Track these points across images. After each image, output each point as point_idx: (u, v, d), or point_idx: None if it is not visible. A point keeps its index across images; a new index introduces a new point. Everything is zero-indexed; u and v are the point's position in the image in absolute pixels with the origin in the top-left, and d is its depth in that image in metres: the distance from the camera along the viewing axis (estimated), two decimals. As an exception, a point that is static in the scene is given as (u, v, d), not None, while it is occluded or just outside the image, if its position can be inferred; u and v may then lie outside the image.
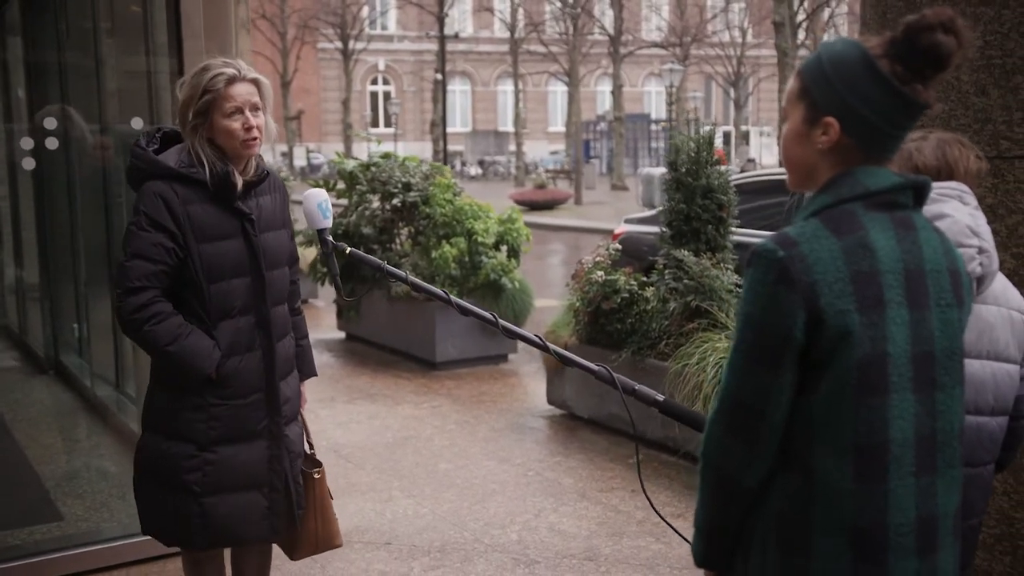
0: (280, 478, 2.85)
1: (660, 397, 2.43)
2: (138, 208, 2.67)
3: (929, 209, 2.13)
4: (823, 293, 1.54)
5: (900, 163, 2.19)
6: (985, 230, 2.17)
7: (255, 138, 2.70)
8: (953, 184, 2.20)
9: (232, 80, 2.66)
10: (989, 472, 2.21)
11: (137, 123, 4.19)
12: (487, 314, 2.62)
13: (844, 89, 1.59)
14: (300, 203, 2.90)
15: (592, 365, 2.48)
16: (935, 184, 2.17)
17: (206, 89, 2.65)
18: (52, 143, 4.63)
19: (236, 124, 2.66)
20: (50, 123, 4.54)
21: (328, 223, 2.84)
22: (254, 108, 2.70)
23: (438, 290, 2.69)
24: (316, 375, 3.13)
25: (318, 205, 2.81)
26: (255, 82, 2.72)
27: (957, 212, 2.15)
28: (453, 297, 2.65)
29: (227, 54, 3.96)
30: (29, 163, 4.25)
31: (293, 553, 3.09)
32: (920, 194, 1.67)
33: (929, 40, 1.55)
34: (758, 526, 1.65)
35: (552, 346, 2.58)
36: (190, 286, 2.70)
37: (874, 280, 1.56)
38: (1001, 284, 2.23)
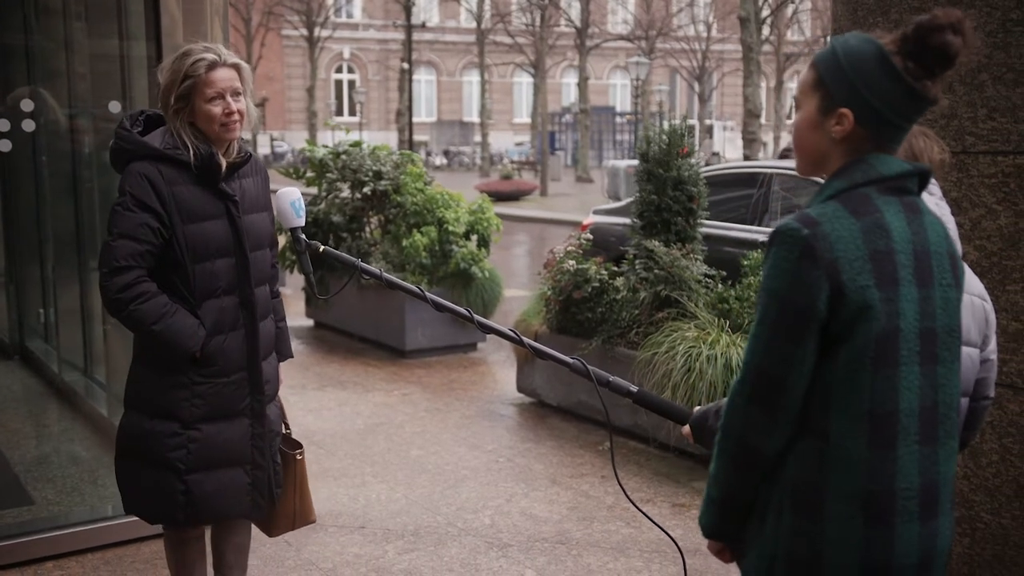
0: (262, 455, 2.90)
1: (634, 388, 2.48)
2: (123, 188, 2.69)
3: None
4: (844, 269, 1.64)
5: None
6: (949, 220, 2.29)
7: (236, 122, 2.74)
8: None
9: (213, 65, 2.70)
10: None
11: (115, 107, 4.18)
12: (463, 310, 2.65)
13: (859, 82, 1.69)
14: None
15: (567, 358, 2.49)
16: None
17: (187, 74, 2.69)
18: (29, 125, 4.60)
19: (217, 109, 2.70)
20: (27, 105, 4.51)
21: (301, 222, 2.83)
22: (235, 93, 2.73)
23: (414, 287, 2.70)
24: (292, 356, 3.18)
25: (291, 204, 2.81)
26: (236, 67, 2.75)
27: (924, 201, 2.25)
28: (429, 294, 2.67)
29: (203, 39, 3.98)
30: (6, 145, 4.22)
31: (271, 530, 3.14)
32: (923, 181, 1.77)
33: (940, 39, 1.66)
34: (774, 492, 1.73)
35: (527, 340, 2.61)
36: (174, 266, 2.72)
37: (890, 259, 1.67)
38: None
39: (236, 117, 2.73)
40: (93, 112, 5.01)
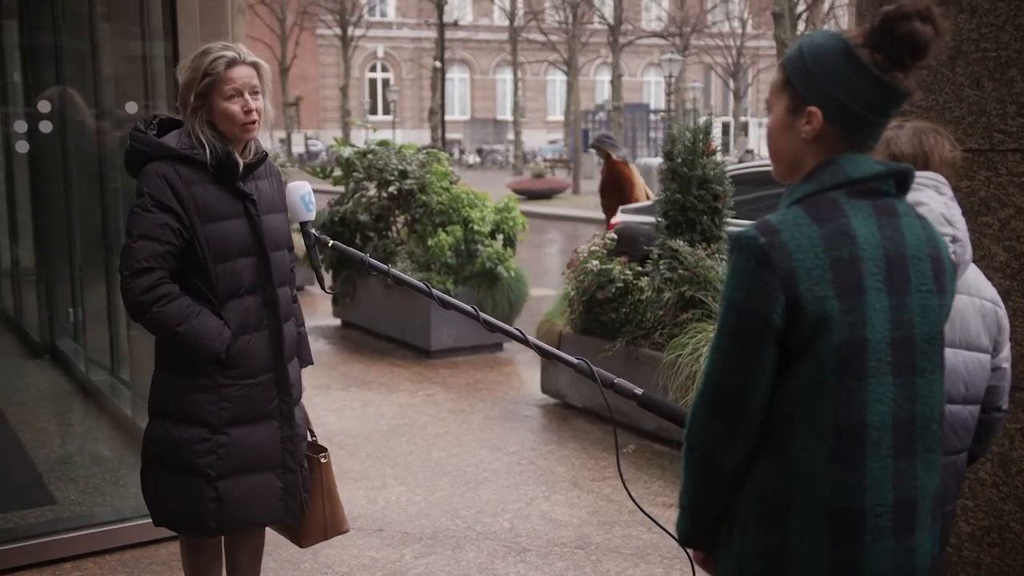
0: (293, 459, 2.85)
1: (639, 391, 2.43)
2: (142, 190, 2.66)
3: (907, 197, 2.15)
4: (802, 279, 1.57)
5: (878, 151, 2.21)
6: (959, 220, 2.20)
7: (254, 121, 2.71)
8: (930, 174, 2.22)
9: (232, 63, 2.67)
10: (962, 460, 2.24)
11: (131, 107, 4.18)
12: (469, 308, 2.62)
13: (825, 78, 1.62)
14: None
15: (572, 359, 2.48)
16: None
17: (206, 72, 2.66)
18: (46, 126, 4.61)
19: (236, 107, 2.67)
20: (44, 106, 4.53)
21: (311, 216, 2.83)
22: (253, 91, 2.71)
23: (420, 284, 2.69)
24: (312, 363, 3.13)
25: (301, 198, 2.81)
26: (255, 65, 2.73)
27: (932, 201, 2.17)
28: (435, 291, 2.65)
29: (223, 38, 3.97)
30: (23, 146, 4.24)
31: (302, 540, 3.06)
32: (902, 181, 1.69)
33: (906, 28, 1.59)
34: (740, 505, 1.68)
35: (532, 340, 2.58)
36: (196, 267, 2.69)
37: (854, 267, 1.59)
38: (973, 274, 2.25)
39: (255, 116, 2.70)
40: (118, 112, 5.02)
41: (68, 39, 5.72)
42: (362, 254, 2.80)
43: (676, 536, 1.82)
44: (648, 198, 8.56)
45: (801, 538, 1.62)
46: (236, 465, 2.74)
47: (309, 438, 3.06)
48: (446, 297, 2.65)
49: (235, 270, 2.72)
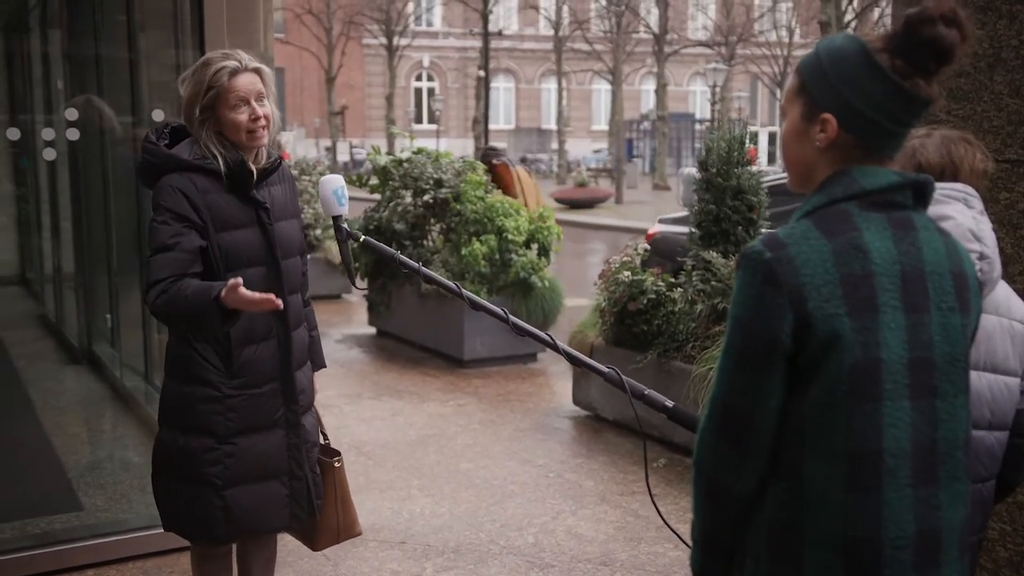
0: (300, 466, 2.85)
1: (669, 403, 2.38)
2: (158, 204, 2.65)
3: (932, 211, 2.04)
4: (811, 296, 1.49)
5: (903, 161, 2.11)
6: (989, 235, 2.08)
7: (263, 128, 2.70)
8: (959, 186, 2.11)
9: (235, 72, 2.66)
10: (989, 489, 2.12)
11: (158, 115, 4.19)
12: (498, 310, 2.59)
13: (841, 84, 1.54)
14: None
15: (602, 367, 2.45)
16: (940, 185, 2.08)
17: (210, 85, 2.65)
18: (73, 134, 4.65)
19: (243, 116, 2.66)
20: (71, 114, 4.56)
21: (344, 210, 2.82)
22: (259, 97, 2.69)
23: (450, 283, 2.68)
24: (325, 366, 3.12)
25: (334, 191, 2.81)
26: (257, 71, 2.71)
27: (960, 215, 2.06)
28: (465, 291, 2.62)
29: (255, 48, 3.96)
30: (50, 154, 4.28)
31: (315, 544, 3.08)
32: (921, 193, 1.60)
33: (930, 33, 1.50)
34: (752, 536, 1.60)
35: (562, 346, 2.54)
36: (208, 275, 2.68)
37: (867, 283, 1.50)
38: (1004, 293, 2.12)
39: (263, 123, 2.69)
40: (151, 120, 5.05)
41: (105, 47, 5.78)
42: (393, 251, 2.78)
43: (691, 568, 1.74)
44: (537, 200, 8.59)
45: (816, 572, 1.53)
46: (243, 474, 2.74)
47: (322, 441, 3.05)
48: (476, 298, 2.62)
49: (246, 278, 2.69)
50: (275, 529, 2.91)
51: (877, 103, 1.53)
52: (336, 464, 3.02)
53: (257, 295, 2.45)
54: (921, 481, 1.53)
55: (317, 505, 2.93)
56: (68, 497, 4.54)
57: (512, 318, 2.58)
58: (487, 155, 9.31)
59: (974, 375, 2.04)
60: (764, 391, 1.52)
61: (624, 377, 2.41)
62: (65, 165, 6.15)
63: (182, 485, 2.76)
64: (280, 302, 2.48)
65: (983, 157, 2.15)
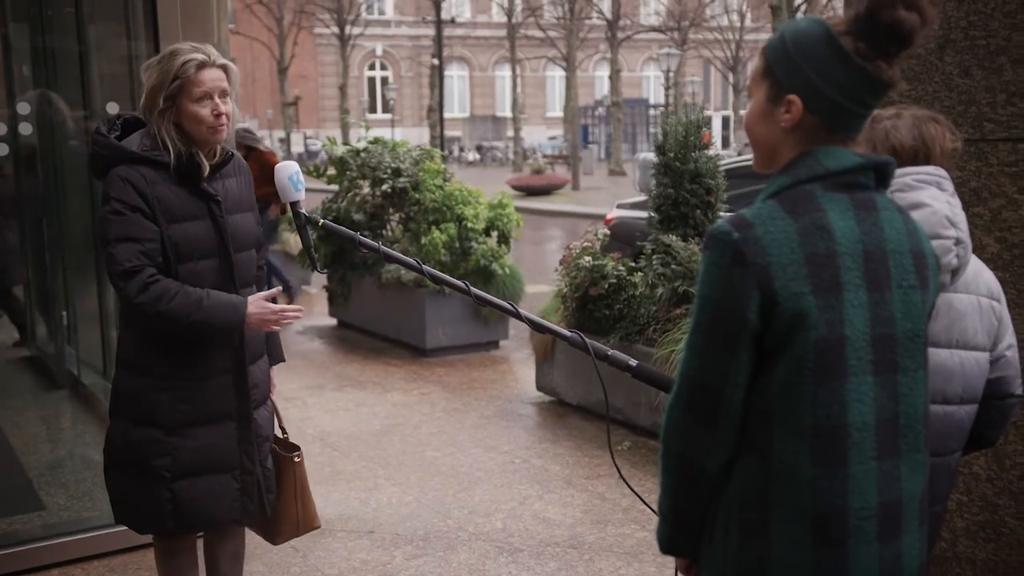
0: (251, 461, 2.84)
1: (633, 362, 2.42)
2: (108, 195, 2.63)
3: (906, 197, 2.09)
4: (777, 276, 1.52)
5: (877, 143, 2.14)
6: (962, 219, 2.11)
7: (223, 125, 2.68)
8: (931, 169, 2.13)
9: (203, 65, 2.64)
10: (955, 460, 2.18)
11: (112, 108, 4.14)
12: (460, 283, 2.60)
13: (806, 65, 1.57)
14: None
15: (565, 332, 2.48)
16: (913, 169, 2.12)
17: (176, 75, 2.62)
18: (26, 128, 4.57)
19: (205, 110, 2.64)
20: (23, 108, 4.49)
21: (301, 196, 2.81)
22: (223, 94, 2.68)
23: (410, 260, 2.66)
24: (284, 360, 3.11)
25: (289, 177, 2.79)
26: (224, 68, 2.69)
27: (935, 201, 2.08)
28: (426, 267, 2.63)
29: (209, 39, 3.92)
30: (2, 148, 4.20)
31: (274, 538, 3.08)
32: (882, 175, 1.64)
33: (890, 16, 1.53)
34: (721, 509, 1.63)
35: (524, 313, 2.56)
36: (159, 268, 2.66)
37: (831, 262, 1.54)
38: (973, 269, 2.17)
39: (224, 120, 2.67)
40: (104, 114, 4.98)
41: (56, 40, 5.68)
42: (352, 232, 2.78)
43: (658, 544, 1.77)
44: None
45: (784, 543, 1.57)
46: (192, 466, 2.73)
47: (281, 435, 3.04)
48: (436, 273, 2.63)
49: (197, 271, 2.69)
50: (226, 522, 2.88)
51: (841, 85, 1.56)
52: (296, 459, 3.01)
53: (278, 308, 2.74)
54: (884, 454, 1.58)
55: (268, 500, 2.92)
56: (29, 497, 4.48)
57: (474, 289, 2.59)
58: (243, 138, 8.42)
59: (947, 353, 2.09)
60: (732, 369, 1.55)
61: (587, 340, 2.44)
62: (12, 160, 6.03)
63: (132, 477, 2.75)
64: (299, 315, 2.75)
65: (952, 136, 2.17)
